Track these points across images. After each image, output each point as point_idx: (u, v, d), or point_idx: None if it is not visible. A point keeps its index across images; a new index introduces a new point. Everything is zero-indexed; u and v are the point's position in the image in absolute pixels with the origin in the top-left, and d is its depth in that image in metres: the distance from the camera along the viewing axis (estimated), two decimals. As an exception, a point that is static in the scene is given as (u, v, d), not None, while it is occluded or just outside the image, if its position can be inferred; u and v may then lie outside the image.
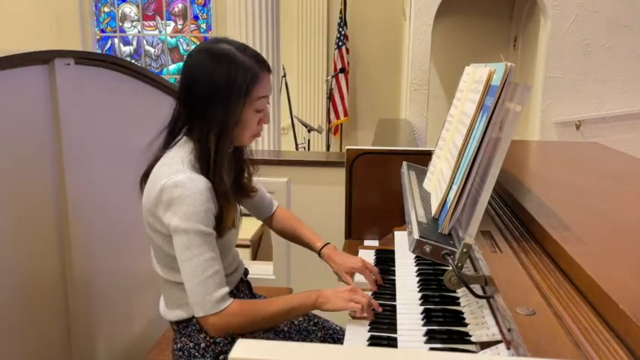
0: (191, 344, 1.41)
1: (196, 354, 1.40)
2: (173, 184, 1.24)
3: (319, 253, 1.61)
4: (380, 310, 1.33)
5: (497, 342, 0.94)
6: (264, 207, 1.70)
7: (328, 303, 1.31)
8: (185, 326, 1.42)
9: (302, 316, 1.60)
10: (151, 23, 7.31)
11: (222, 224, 1.32)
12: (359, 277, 1.53)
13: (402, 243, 1.71)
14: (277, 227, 1.73)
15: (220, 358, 1.41)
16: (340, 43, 6.15)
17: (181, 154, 1.30)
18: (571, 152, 2.26)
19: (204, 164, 1.28)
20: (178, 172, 1.25)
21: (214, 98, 1.27)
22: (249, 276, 1.63)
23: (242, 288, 1.56)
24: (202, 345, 1.40)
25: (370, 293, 1.45)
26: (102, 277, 1.86)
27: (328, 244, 1.62)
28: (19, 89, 1.51)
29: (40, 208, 1.62)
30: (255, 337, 1.50)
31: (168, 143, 1.37)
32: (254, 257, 3.47)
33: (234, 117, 1.28)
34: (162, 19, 7.27)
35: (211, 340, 1.41)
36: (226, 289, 1.28)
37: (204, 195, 1.24)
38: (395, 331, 1.22)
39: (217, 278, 1.26)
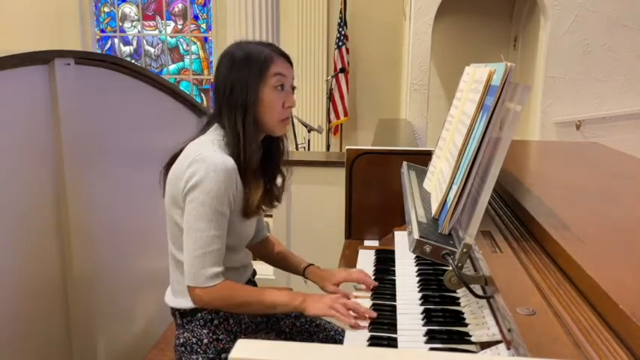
0: (194, 339, 1.42)
1: (199, 350, 1.41)
2: (201, 158, 1.31)
3: (304, 272, 1.62)
4: (374, 315, 1.30)
5: (498, 342, 0.94)
6: (260, 230, 1.67)
7: (310, 307, 1.34)
8: (189, 320, 1.43)
9: (287, 313, 1.59)
10: (151, 23, 7.31)
11: (249, 204, 1.37)
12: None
13: (402, 243, 1.71)
14: (267, 254, 1.71)
15: (222, 356, 1.41)
16: (340, 43, 6.15)
17: (212, 137, 1.38)
18: (571, 152, 2.26)
19: (235, 147, 1.35)
20: (208, 150, 1.33)
21: (236, 85, 1.36)
22: (255, 276, 1.64)
23: None
24: (205, 341, 1.42)
25: (370, 294, 1.45)
26: (102, 276, 1.86)
27: (312, 264, 1.63)
28: (19, 89, 1.51)
29: (40, 208, 1.62)
30: (256, 338, 1.50)
31: (199, 133, 1.43)
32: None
33: (252, 95, 1.36)
34: (162, 19, 7.27)
35: (214, 337, 1.42)
36: (221, 268, 1.33)
37: (227, 174, 1.30)
38: (395, 331, 1.22)
39: (216, 256, 1.32)
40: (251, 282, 1.61)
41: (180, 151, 1.41)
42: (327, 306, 1.32)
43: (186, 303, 1.41)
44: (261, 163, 1.45)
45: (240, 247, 1.49)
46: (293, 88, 1.44)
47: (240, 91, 1.36)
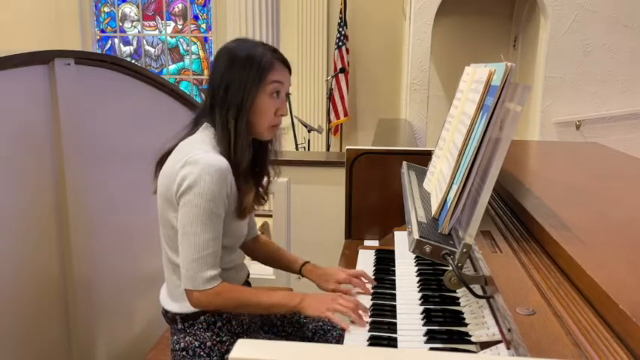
0: (196, 343, 1.41)
1: (202, 353, 1.40)
2: (194, 160, 1.29)
3: (300, 270, 1.61)
4: (367, 319, 1.29)
5: (497, 342, 0.94)
6: (251, 227, 1.65)
7: (310, 308, 1.33)
8: (191, 324, 1.41)
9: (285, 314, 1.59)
10: (151, 23, 7.31)
11: (242, 206, 1.38)
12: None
13: (402, 243, 1.71)
14: (259, 251, 1.69)
15: (226, 358, 1.40)
16: (340, 43, 6.15)
17: (203, 137, 1.37)
18: (571, 152, 2.26)
19: (226, 146, 1.35)
20: (200, 151, 1.31)
21: (232, 84, 1.36)
22: (249, 277, 1.64)
23: None
24: (208, 344, 1.40)
25: (370, 294, 1.45)
26: (102, 277, 1.86)
27: (308, 262, 1.62)
28: (19, 89, 1.52)
29: (40, 208, 1.62)
30: (259, 337, 1.50)
31: (190, 131, 1.42)
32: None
33: (249, 99, 1.35)
34: (162, 19, 7.27)
35: (217, 339, 1.41)
36: (218, 271, 1.33)
37: (222, 175, 1.29)
38: (395, 331, 1.22)
39: (213, 258, 1.32)
40: (246, 282, 1.59)
41: (172, 148, 1.40)
42: (325, 307, 1.31)
43: (188, 307, 1.39)
44: (250, 164, 1.44)
45: (235, 247, 1.49)
46: (287, 95, 1.44)
47: (236, 92, 1.35)
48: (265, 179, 1.53)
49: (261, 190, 1.52)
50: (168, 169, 1.36)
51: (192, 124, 1.43)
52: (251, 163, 1.44)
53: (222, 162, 1.31)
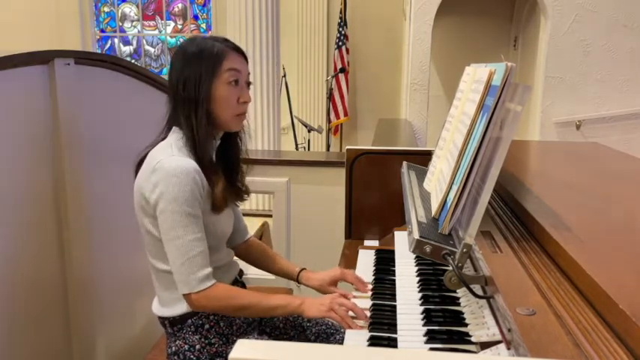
0: (186, 346, 1.41)
1: (192, 356, 1.40)
2: (160, 166, 1.30)
3: (297, 277, 1.61)
4: (365, 316, 1.30)
5: (498, 342, 0.94)
6: (240, 231, 1.66)
7: (309, 310, 1.34)
8: (180, 328, 1.42)
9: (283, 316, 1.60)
10: (151, 23, 7.31)
11: (215, 198, 1.37)
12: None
13: (402, 243, 1.71)
14: (251, 254, 1.69)
15: None
16: (340, 43, 6.15)
17: (170, 140, 1.38)
18: (571, 152, 2.26)
19: (191, 143, 1.35)
20: (166, 156, 1.32)
21: (188, 80, 1.36)
22: (247, 276, 1.63)
23: None
24: (197, 347, 1.41)
25: (370, 293, 1.45)
26: (102, 277, 1.86)
27: (304, 269, 1.62)
28: (19, 89, 1.51)
29: (40, 208, 1.62)
30: (249, 338, 1.50)
31: (163, 136, 1.43)
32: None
33: (204, 90, 1.35)
34: (162, 19, 7.27)
35: (206, 342, 1.41)
36: (209, 270, 1.33)
37: (190, 176, 1.29)
38: (395, 331, 1.21)
39: (201, 258, 1.32)
40: (238, 282, 1.59)
41: (146, 156, 1.40)
42: (325, 307, 1.32)
43: (173, 311, 1.41)
44: (220, 159, 1.46)
45: (220, 246, 1.48)
46: (248, 83, 1.43)
47: (192, 87, 1.35)
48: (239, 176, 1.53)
49: (239, 184, 1.52)
50: (139, 177, 1.37)
51: (165, 129, 1.43)
52: (220, 155, 1.46)
53: (188, 163, 1.31)
